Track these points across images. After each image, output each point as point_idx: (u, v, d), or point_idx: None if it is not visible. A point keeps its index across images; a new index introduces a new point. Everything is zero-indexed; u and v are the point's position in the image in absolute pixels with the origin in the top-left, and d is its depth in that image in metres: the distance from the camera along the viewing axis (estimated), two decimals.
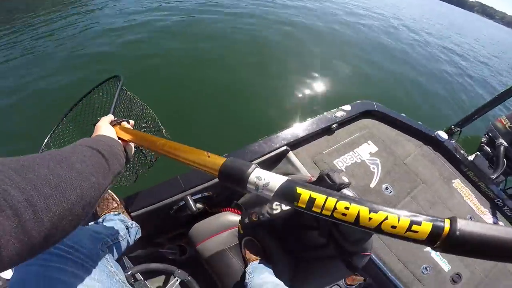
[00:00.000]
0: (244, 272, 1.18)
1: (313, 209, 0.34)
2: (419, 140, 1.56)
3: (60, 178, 0.35)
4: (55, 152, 0.40)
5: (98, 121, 0.70)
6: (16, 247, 0.27)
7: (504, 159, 1.55)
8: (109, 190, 1.05)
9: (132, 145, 0.69)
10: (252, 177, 0.40)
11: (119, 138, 0.65)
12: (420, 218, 0.29)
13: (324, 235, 1.10)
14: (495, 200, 1.46)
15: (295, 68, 3.85)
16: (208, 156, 0.47)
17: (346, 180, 0.84)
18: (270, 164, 1.34)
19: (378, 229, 0.30)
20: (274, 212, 1.14)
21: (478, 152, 1.66)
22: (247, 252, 1.21)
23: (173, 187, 1.21)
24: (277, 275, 1.10)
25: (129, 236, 0.99)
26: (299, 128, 1.37)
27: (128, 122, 0.76)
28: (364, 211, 0.31)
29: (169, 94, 2.87)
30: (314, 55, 4.36)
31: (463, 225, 0.27)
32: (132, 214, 1.15)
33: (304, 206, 0.35)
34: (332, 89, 3.63)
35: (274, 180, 0.38)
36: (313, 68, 3.93)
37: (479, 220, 1.41)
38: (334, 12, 7.01)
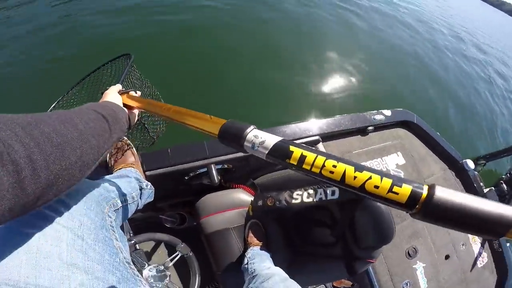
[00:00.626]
0: (242, 256, 1.19)
1: (304, 166, 0.35)
2: (445, 163, 1.59)
3: (62, 137, 0.36)
4: (61, 112, 0.42)
5: (106, 89, 0.74)
6: (10, 203, 0.28)
7: None
8: (129, 142, 1.08)
9: (136, 112, 0.72)
10: (250, 136, 0.42)
11: (125, 105, 0.69)
12: (401, 181, 0.30)
13: (336, 234, 1.08)
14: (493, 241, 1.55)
15: (336, 60, 3.75)
16: (211, 118, 0.50)
17: None
18: None
19: (362, 189, 0.31)
20: (293, 201, 1.12)
21: (493, 187, 1.69)
22: (251, 235, 1.21)
23: (196, 151, 1.18)
24: (274, 264, 1.09)
25: (140, 199, 0.90)
26: (334, 121, 1.35)
27: (136, 92, 0.79)
28: (350, 169, 0.32)
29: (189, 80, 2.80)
30: (359, 52, 4.19)
31: (440, 191, 0.27)
32: (146, 173, 1.11)
33: (295, 163, 0.36)
34: (372, 89, 3.52)
35: (269, 138, 0.40)
36: (355, 65, 3.80)
37: (469, 249, 1.49)
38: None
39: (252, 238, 1.20)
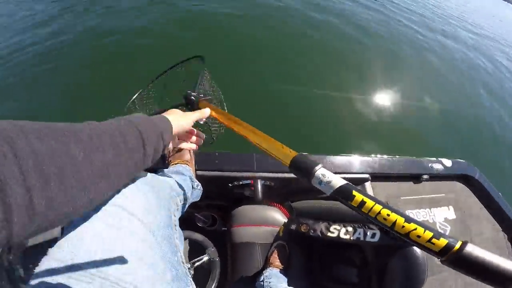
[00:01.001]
0: (259, 273, 1.22)
1: (362, 209, 0.42)
2: (500, 225, 1.48)
3: (77, 173, 0.31)
4: (94, 132, 0.36)
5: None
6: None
7: None
8: None
9: (172, 147, 0.68)
10: (318, 173, 0.48)
11: (202, 107, 0.74)
12: (439, 235, 0.37)
13: (362, 276, 1.08)
14: None
15: (404, 93, 3.62)
16: (282, 147, 0.56)
17: None
18: None
19: (407, 235, 0.39)
20: (329, 234, 1.12)
21: None
22: (274, 256, 1.24)
23: (244, 162, 1.24)
24: None
25: (190, 198, 0.91)
26: (387, 162, 1.33)
27: (211, 101, 0.86)
28: (400, 219, 0.39)
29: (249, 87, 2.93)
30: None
31: (470, 248, 0.34)
32: (197, 171, 1.18)
33: (356, 206, 0.43)
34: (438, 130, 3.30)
35: (336, 179, 0.47)
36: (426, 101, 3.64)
37: None
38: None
39: (274, 259, 1.22)
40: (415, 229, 0.38)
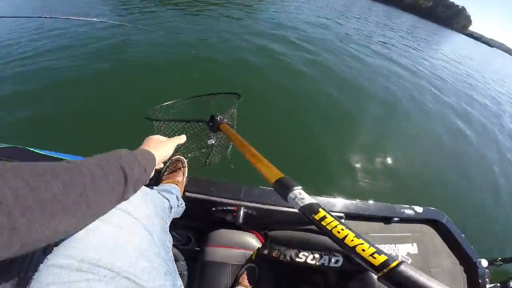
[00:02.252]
0: None
1: (322, 222, 0.50)
2: (458, 259, 1.63)
3: (59, 204, 0.39)
4: (75, 169, 0.44)
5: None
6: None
7: None
8: (185, 162, 1.27)
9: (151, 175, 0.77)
10: (295, 191, 0.58)
11: (221, 130, 0.96)
12: (381, 252, 0.43)
13: None
14: None
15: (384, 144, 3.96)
16: (274, 168, 0.68)
17: None
18: None
19: (353, 248, 0.45)
20: (297, 259, 1.24)
21: (498, 284, 1.71)
22: (244, 276, 1.31)
23: (232, 191, 1.35)
24: None
25: (173, 214, 1.01)
26: (362, 205, 1.46)
27: (232, 127, 1.01)
28: (351, 235, 0.47)
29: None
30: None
31: (404, 268, 0.39)
32: (186, 193, 1.27)
33: (317, 219, 0.51)
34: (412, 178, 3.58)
35: (308, 199, 0.56)
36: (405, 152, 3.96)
37: None
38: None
39: (243, 279, 1.30)
40: (362, 243, 0.44)
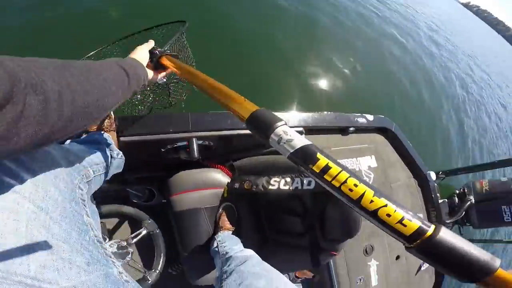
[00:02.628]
0: (211, 238, 1.22)
1: (325, 176, 0.36)
2: (411, 172, 1.80)
3: (87, 81, 0.42)
4: (90, 62, 0.48)
5: (152, 48, 0.77)
6: (34, 130, 0.31)
7: (463, 212, 1.98)
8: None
9: (165, 74, 0.80)
10: (279, 130, 0.42)
11: (161, 65, 0.76)
12: (412, 216, 0.32)
13: (305, 224, 1.16)
14: None
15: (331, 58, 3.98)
16: (244, 101, 0.50)
17: None
18: None
19: (374, 213, 0.33)
20: (270, 187, 1.16)
21: (446, 199, 2.00)
22: (223, 218, 1.23)
23: (178, 123, 1.12)
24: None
25: (109, 169, 0.85)
26: (318, 116, 1.42)
27: (177, 58, 0.81)
28: (369, 193, 0.34)
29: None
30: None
31: (444, 232, 0.30)
32: (121, 138, 1.04)
33: (317, 171, 0.37)
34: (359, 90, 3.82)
35: (298, 138, 0.40)
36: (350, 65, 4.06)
37: None
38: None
39: (224, 222, 1.22)
40: (385, 205, 0.32)
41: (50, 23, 2.44)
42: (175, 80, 1.06)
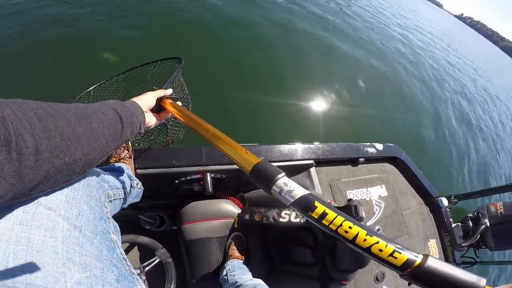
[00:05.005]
0: (220, 267, 1.27)
1: (323, 221, 0.42)
2: (422, 199, 1.86)
3: (73, 132, 0.40)
4: (81, 107, 0.46)
5: (152, 89, 0.78)
6: (5, 190, 0.30)
7: (478, 235, 1.99)
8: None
9: (153, 122, 0.75)
10: (280, 182, 0.48)
11: (162, 107, 0.76)
12: (402, 249, 0.38)
13: (316, 256, 1.20)
14: (451, 263, 1.76)
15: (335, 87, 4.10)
16: (246, 153, 0.55)
17: (364, 215, 1.00)
18: (290, 171, 1.44)
19: (368, 250, 0.39)
20: (281, 219, 1.21)
21: (459, 223, 2.02)
22: (233, 247, 1.29)
23: (192, 157, 1.20)
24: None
25: (128, 197, 0.87)
26: (329, 148, 1.49)
27: (177, 100, 0.84)
28: (362, 233, 0.39)
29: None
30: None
31: (432, 262, 0.35)
32: (137, 170, 1.11)
33: (316, 217, 0.43)
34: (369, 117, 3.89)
35: (298, 189, 0.46)
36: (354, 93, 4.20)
37: None
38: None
39: (233, 251, 1.28)
40: (377, 242, 0.38)
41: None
42: (173, 119, 1.10)
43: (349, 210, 1.00)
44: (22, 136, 0.31)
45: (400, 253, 0.37)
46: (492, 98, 9.03)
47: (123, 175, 0.88)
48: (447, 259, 1.88)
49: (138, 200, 1.02)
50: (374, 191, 1.60)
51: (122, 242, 1.13)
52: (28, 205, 0.39)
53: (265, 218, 1.25)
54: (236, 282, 1.08)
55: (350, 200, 1.02)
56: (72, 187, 0.47)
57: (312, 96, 3.66)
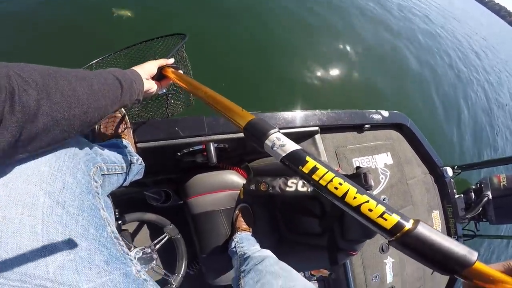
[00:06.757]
0: (229, 239, 1.28)
1: (313, 176, 0.41)
2: (427, 168, 1.85)
3: (74, 91, 0.42)
4: (82, 71, 0.47)
5: (154, 59, 0.81)
6: (6, 140, 0.32)
7: (480, 208, 1.97)
8: (123, 109, 1.05)
9: (154, 89, 0.78)
10: (273, 136, 0.47)
11: (163, 76, 0.79)
12: (392, 211, 0.35)
13: (324, 225, 1.18)
14: (453, 236, 1.87)
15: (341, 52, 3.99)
16: (242, 111, 0.56)
17: (373, 183, 0.97)
18: (294, 139, 1.37)
19: (357, 208, 0.37)
20: (287, 189, 1.19)
21: (462, 195, 2.00)
22: (240, 219, 1.29)
23: (193, 127, 1.16)
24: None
25: (128, 174, 0.85)
26: (334, 115, 1.45)
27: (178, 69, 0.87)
28: (352, 190, 0.38)
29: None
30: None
31: (421, 227, 0.33)
32: (137, 144, 1.08)
33: (306, 172, 0.41)
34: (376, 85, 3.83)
35: (290, 144, 0.46)
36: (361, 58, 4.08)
37: None
38: None
39: (240, 223, 1.28)
40: (367, 201, 0.36)
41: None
42: (173, 91, 1.13)
43: (358, 178, 0.97)
44: (26, 91, 0.34)
45: (391, 215, 0.35)
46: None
47: (121, 150, 0.86)
48: (449, 232, 1.90)
49: (141, 177, 1.01)
50: (380, 159, 1.58)
51: (129, 221, 1.13)
52: (3, 177, 0.37)
53: (271, 188, 1.23)
54: (244, 254, 1.08)
55: (358, 168, 0.98)
56: (57, 157, 0.44)
57: (320, 63, 3.57)
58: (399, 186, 1.62)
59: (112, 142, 0.94)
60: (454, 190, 1.89)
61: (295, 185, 1.19)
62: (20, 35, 2.39)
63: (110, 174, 0.67)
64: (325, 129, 1.42)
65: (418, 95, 4.43)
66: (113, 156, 0.74)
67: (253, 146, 1.30)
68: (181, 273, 1.20)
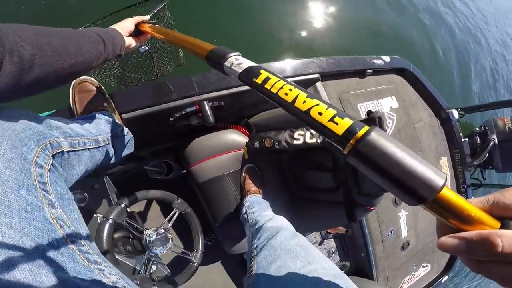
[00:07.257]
0: (240, 204, 1.21)
1: (265, 85, 0.43)
2: (433, 111, 1.79)
3: (63, 47, 0.49)
4: (69, 30, 0.55)
5: (130, 17, 0.85)
6: (8, 86, 0.38)
7: (487, 153, 1.88)
8: (94, 80, 0.99)
9: (134, 44, 0.82)
10: (232, 58, 0.51)
11: (140, 32, 0.83)
12: (344, 115, 0.33)
13: (337, 179, 1.06)
14: (461, 185, 1.82)
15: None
16: (206, 44, 0.60)
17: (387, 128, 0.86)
18: None
19: (307, 112, 0.36)
20: (295, 142, 1.09)
21: (466, 139, 1.91)
22: (248, 181, 1.21)
23: (182, 88, 1.05)
24: (273, 211, 1.10)
25: (113, 147, 0.79)
26: (334, 61, 1.37)
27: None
28: (302, 95, 0.38)
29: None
30: None
31: (376, 133, 0.29)
32: (123, 115, 0.99)
33: (260, 82, 0.44)
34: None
35: (247, 62, 0.49)
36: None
37: None
38: None
39: (249, 185, 1.20)
40: (317, 104, 0.35)
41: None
42: (159, 48, 1.15)
43: (373, 122, 0.83)
44: (23, 47, 0.39)
45: (342, 118, 0.33)
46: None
47: (98, 121, 0.77)
48: (457, 180, 1.84)
49: (132, 150, 0.96)
50: (385, 103, 1.53)
51: (133, 202, 1.03)
52: None
53: (276, 143, 1.12)
54: (256, 222, 0.99)
55: (370, 112, 0.84)
56: None
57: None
58: (406, 130, 1.58)
59: (89, 115, 0.83)
60: (461, 134, 1.83)
61: (302, 137, 1.08)
62: None
63: (76, 150, 0.58)
64: (326, 76, 1.33)
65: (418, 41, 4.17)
66: (82, 128, 0.64)
67: (250, 100, 1.20)
68: (200, 248, 1.12)
